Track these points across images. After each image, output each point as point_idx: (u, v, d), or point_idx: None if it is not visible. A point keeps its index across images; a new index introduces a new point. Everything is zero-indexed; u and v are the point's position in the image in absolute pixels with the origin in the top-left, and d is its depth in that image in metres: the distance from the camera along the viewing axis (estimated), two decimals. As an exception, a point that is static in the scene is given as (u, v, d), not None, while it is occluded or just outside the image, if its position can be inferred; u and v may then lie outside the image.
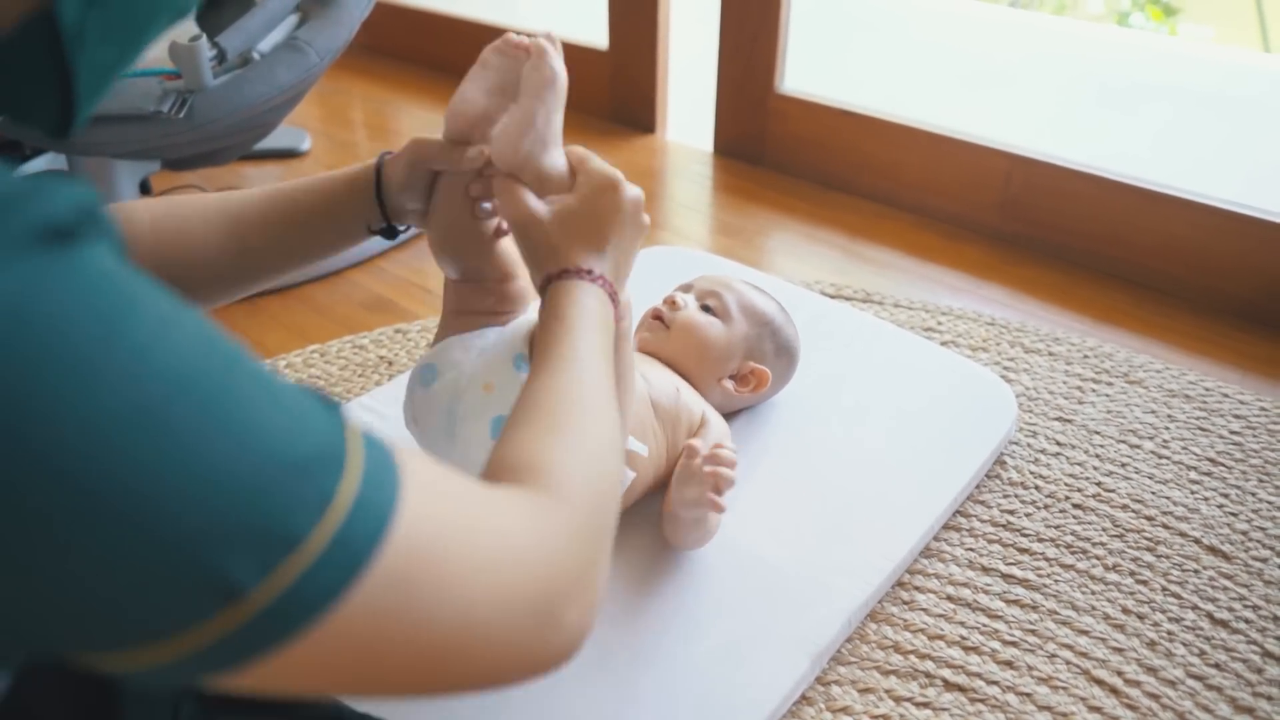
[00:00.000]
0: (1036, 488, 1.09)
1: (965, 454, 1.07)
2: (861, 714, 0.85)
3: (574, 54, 2.25)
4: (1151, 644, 0.91)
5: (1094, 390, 1.24)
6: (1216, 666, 0.90)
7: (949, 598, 0.95)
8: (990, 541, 1.02)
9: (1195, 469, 1.12)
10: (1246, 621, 0.94)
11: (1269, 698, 0.87)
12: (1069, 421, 1.19)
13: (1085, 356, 1.31)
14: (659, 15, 1.96)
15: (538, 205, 0.69)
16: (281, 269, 0.80)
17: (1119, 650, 0.91)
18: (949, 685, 0.87)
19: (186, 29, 1.48)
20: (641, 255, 1.45)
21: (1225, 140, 2.16)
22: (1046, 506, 1.06)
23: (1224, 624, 0.94)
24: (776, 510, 0.98)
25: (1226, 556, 1.01)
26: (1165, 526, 1.04)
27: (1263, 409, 1.21)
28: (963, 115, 2.16)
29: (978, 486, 1.08)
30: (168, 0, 0.44)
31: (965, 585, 0.97)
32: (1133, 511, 1.06)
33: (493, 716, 0.79)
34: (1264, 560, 1.00)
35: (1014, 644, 0.91)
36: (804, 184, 1.84)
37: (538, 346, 0.63)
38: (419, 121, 2.20)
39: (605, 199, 0.69)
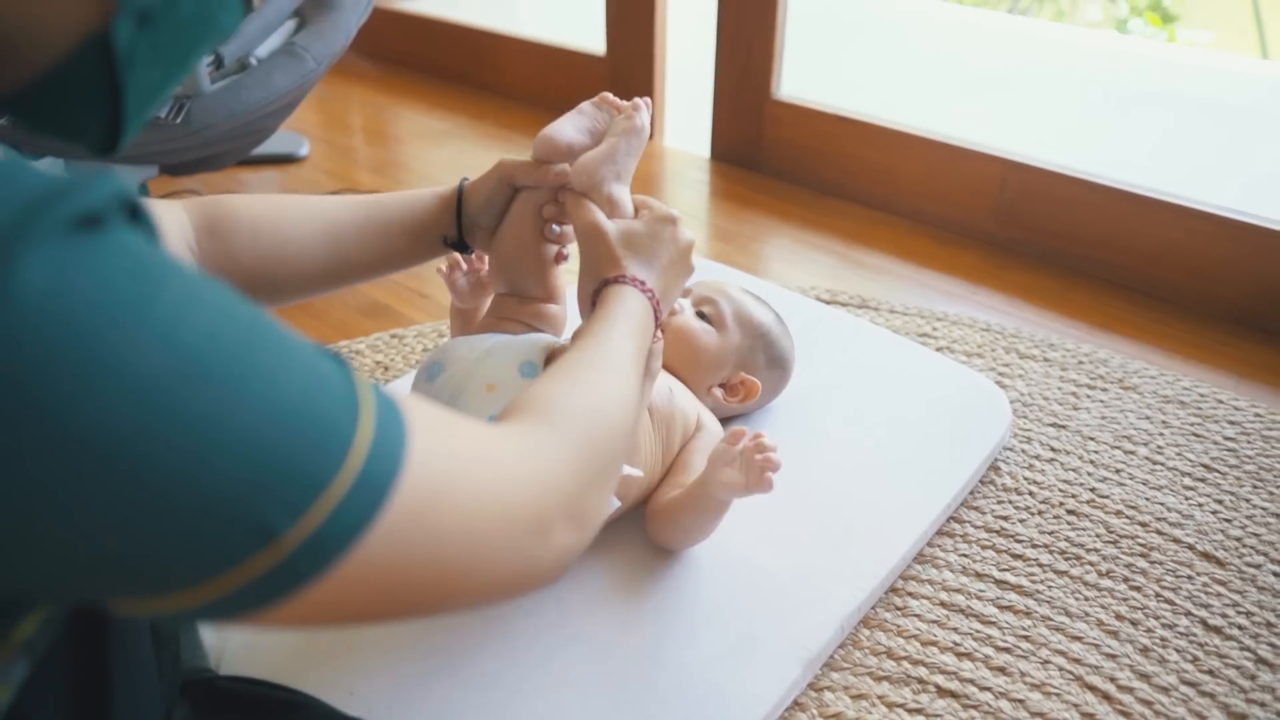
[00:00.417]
0: (1030, 493, 1.09)
1: (959, 459, 1.07)
2: (854, 720, 0.85)
3: (571, 59, 2.28)
4: (1145, 650, 0.91)
5: (1089, 396, 1.24)
6: (1210, 673, 0.90)
7: (942, 603, 0.95)
8: (984, 547, 1.02)
9: (1189, 475, 1.12)
10: (1240, 628, 0.94)
11: (1262, 704, 0.87)
12: (1063, 427, 1.19)
13: (1080, 362, 1.31)
14: (656, 21, 1.96)
15: (604, 220, 0.78)
16: (366, 275, 0.86)
17: (1112, 656, 0.91)
18: (942, 691, 0.87)
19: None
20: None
21: (1222, 146, 2.16)
22: (1040, 512, 1.06)
23: (1217, 630, 0.94)
24: (770, 515, 0.98)
25: (1220, 563, 1.01)
26: (1159, 533, 1.04)
27: (1257, 415, 1.21)
28: (959, 121, 2.17)
29: (972, 492, 1.08)
30: (212, 24, 0.46)
31: (959, 591, 0.97)
32: (1126, 518, 1.06)
33: (489, 717, 0.79)
34: (1257, 566, 1.00)
35: (1007, 650, 0.91)
36: (800, 190, 1.85)
37: (579, 334, 0.70)
38: (417, 126, 2.21)
39: (666, 229, 0.79)
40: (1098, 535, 1.03)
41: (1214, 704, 0.87)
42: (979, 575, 0.99)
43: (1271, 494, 1.09)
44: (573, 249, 0.90)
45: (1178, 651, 0.91)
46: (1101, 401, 1.23)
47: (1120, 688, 0.88)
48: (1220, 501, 1.08)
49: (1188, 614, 0.95)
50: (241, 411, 0.37)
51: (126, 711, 0.57)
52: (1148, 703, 0.87)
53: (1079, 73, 2.63)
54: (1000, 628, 0.93)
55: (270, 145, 1.91)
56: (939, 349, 1.33)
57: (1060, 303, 1.48)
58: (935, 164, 1.69)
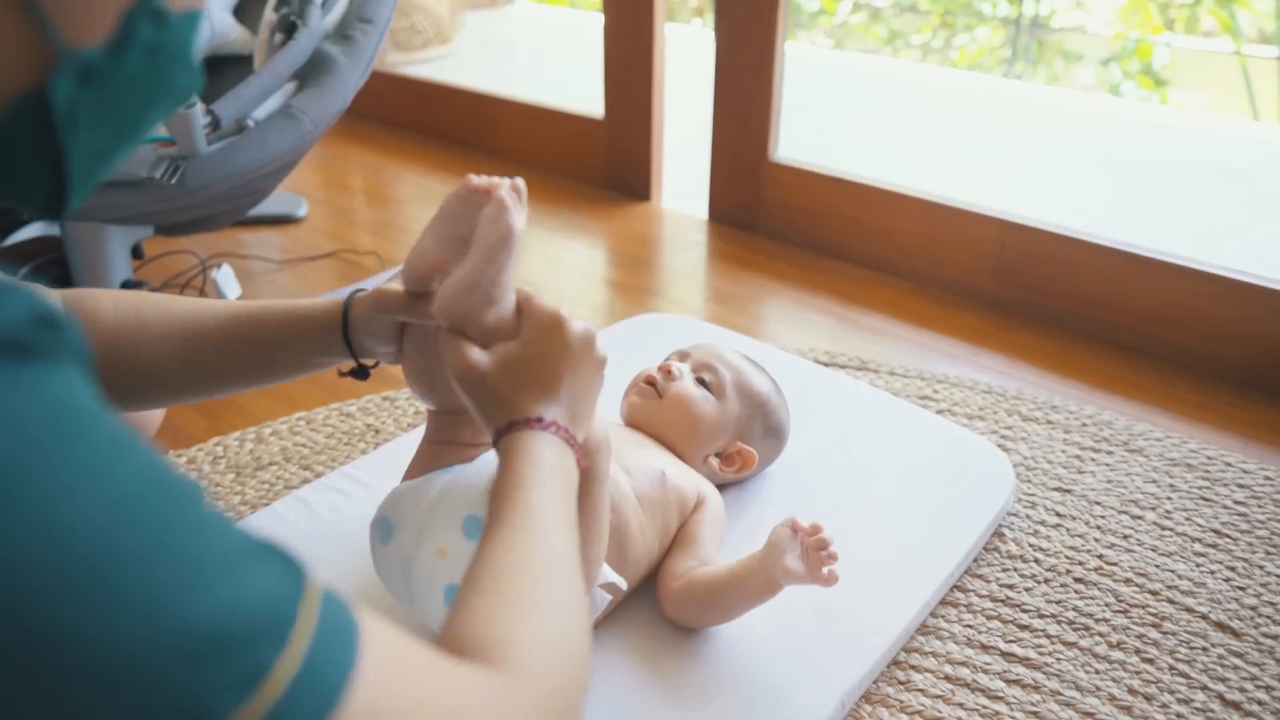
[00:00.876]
0: (1036, 561, 1.06)
1: (962, 526, 1.04)
2: (857, 802, 0.81)
3: (570, 123, 2.30)
4: (1160, 727, 0.88)
5: (1093, 459, 1.22)
6: (1228, 751, 0.86)
7: (947, 677, 0.92)
8: (989, 618, 0.98)
9: (1200, 540, 1.09)
10: (1260, 703, 0.90)
11: (1285, 785, 0.83)
12: (1068, 492, 1.16)
13: (1084, 424, 1.28)
14: (654, 84, 1.98)
15: (479, 358, 0.66)
16: (237, 386, 0.79)
17: (1126, 734, 0.87)
18: (949, 771, 0.83)
19: (182, 97, 1.49)
20: (635, 322, 1.45)
21: (1217, 207, 2.17)
22: (1047, 580, 1.03)
23: (1236, 706, 0.90)
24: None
25: (1236, 633, 0.97)
26: (1171, 601, 1.01)
27: (1267, 478, 1.18)
28: (956, 183, 2.18)
29: (975, 560, 1.05)
30: (168, 84, 0.43)
31: (964, 664, 0.93)
32: (1136, 585, 1.02)
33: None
34: (1275, 638, 0.97)
35: (1016, 727, 0.87)
36: (798, 251, 1.84)
37: (492, 503, 0.60)
38: (416, 188, 2.22)
39: (551, 340, 0.66)
40: (1107, 604, 1.00)
41: (1234, 785, 0.83)
42: (985, 647, 0.95)
43: (1285, 561, 1.06)
44: None
45: (1194, 728, 0.88)
46: (1107, 464, 1.21)
47: (1136, 768, 0.84)
48: (1233, 569, 1.05)
49: (1204, 688, 0.91)
50: (122, 610, 0.31)
51: None
52: (1165, 784, 0.83)
53: (1074, 135, 2.65)
54: (1008, 703, 0.89)
55: (269, 205, 1.92)
56: (940, 411, 1.31)
57: (1062, 364, 1.46)
58: (933, 225, 1.68)
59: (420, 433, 0.92)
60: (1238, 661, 0.94)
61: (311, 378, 1.41)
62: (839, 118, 2.81)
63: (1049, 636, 0.96)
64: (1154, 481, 1.18)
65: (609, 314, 1.63)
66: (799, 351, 1.44)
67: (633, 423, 1.04)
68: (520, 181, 0.71)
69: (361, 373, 0.80)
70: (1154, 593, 1.02)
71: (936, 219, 1.68)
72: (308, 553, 0.99)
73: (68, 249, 1.44)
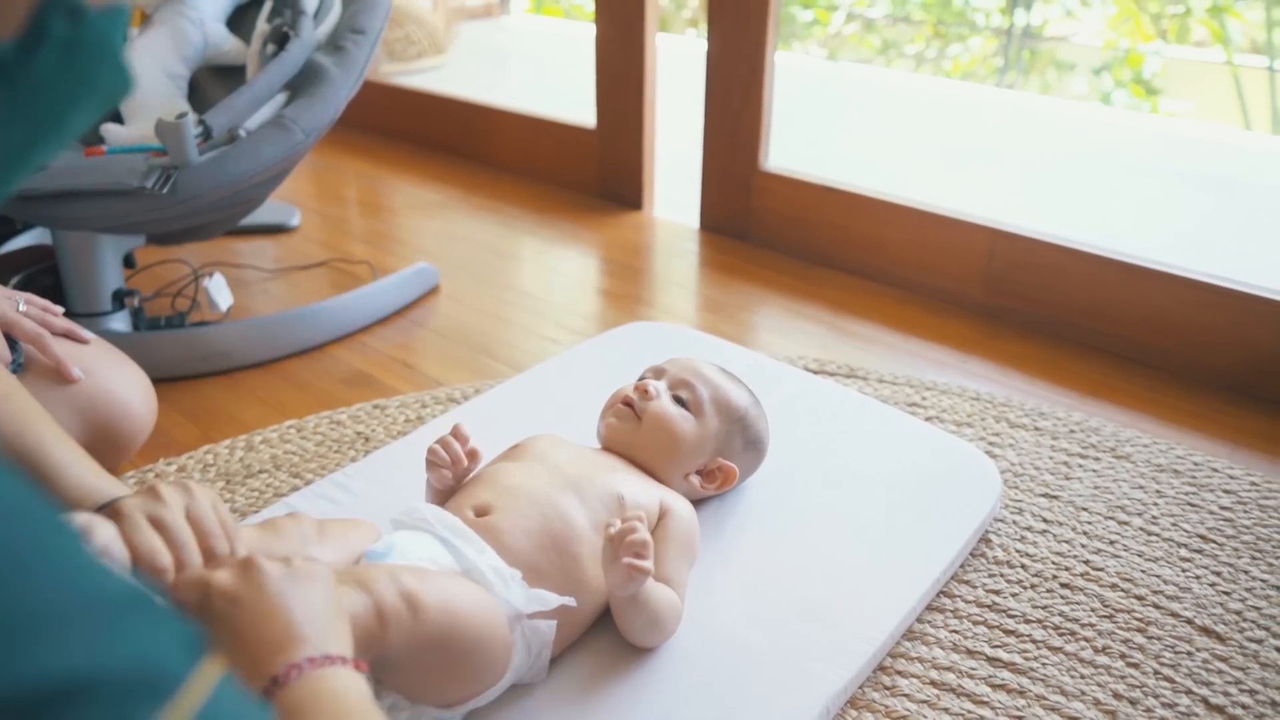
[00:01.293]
0: (1023, 566, 1.06)
1: (949, 532, 1.05)
2: (842, 807, 0.81)
3: (563, 132, 2.31)
4: (1144, 731, 0.88)
5: (1081, 465, 1.22)
6: (1213, 755, 0.86)
7: (933, 682, 0.92)
8: (975, 623, 0.99)
9: (1185, 546, 1.09)
10: (1243, 707, 0.90)
11: (1268, 789, 0.83)
12: (1055, 498, 1.16)
13: (1071, 431, 1.29)
14: (645, 94, 1.99)
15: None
16: None
17: (1111, 738, 0.87)
18: (934, 776, 0.84)
19: (174, 105, 1.50)
20: (627, 330, 1.45)
21: (1207, 215, 2.18)
22: (1033, 586, 1.03)
23: (1220, 709, 0.90)
24: (753, 591, 0.96)
25: (1220, 638, 0.98)
26: (1156, 606, 1.01)
27: (1253, 484, 1.19)
28: (946, 192, 2.19)
29: (962, 565, 1.05)
30: (91, 83, 0.41)
31: (950, 669, 0.93)
32: (1122, 591, 1.03)
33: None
34: (1259, 641, 0.97)
35: (1001, 731, 0.87)
36: (789, 260, 1.85)
37: None
38: (409, 197, 2.22)
39: (213, 608, 0.60)
40: (1093, 609, 1.00)
41: (1218, 789, 0.83)
42: (970, 652, 0.95)
43: (1271, 565, 1.06)
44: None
45: (1179, 733, 0.88)
46: (1094, 471, 1.21)
47: (1120, 772, 0.84)
48: (1218, 573, 1.05)
49: (1188, 692, 0.92)
50: None
51: None
52: (1149, 788, 0.83)
53: (1065, 144, 2.67)
54: (993, 708, 0.90)
55: (262, 215, 1.92)
56: (928, 418, 1.32)
57: (1050, 371, 1.47)
58: (923, 234, 1.69)
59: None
60: (1222, 666, 0.94)
61: (301, 386, 1.42)
62: (833, 127, 2.82)
63: (1035, 642, 0.97)
64: (1141, 487, 1.18)
65: (601, 322, 1.64)
66: (789, 359, 1.45)
67: (610, 445, 1.02)
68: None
69: None
70: (1140, 598, 1.02)
71: (926, 228, 1.69)
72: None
73: (59, 258, 1.45)
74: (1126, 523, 1.12)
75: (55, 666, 0.30)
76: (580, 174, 2.17)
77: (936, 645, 0.96)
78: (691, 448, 1.01)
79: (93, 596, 0.32)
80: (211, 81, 1.63)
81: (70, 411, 1.11)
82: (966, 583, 1.04)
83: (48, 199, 1.30)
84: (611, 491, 0.92)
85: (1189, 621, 0.99)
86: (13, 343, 1.09)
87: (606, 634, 0.91)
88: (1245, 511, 1.14)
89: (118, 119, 1.50)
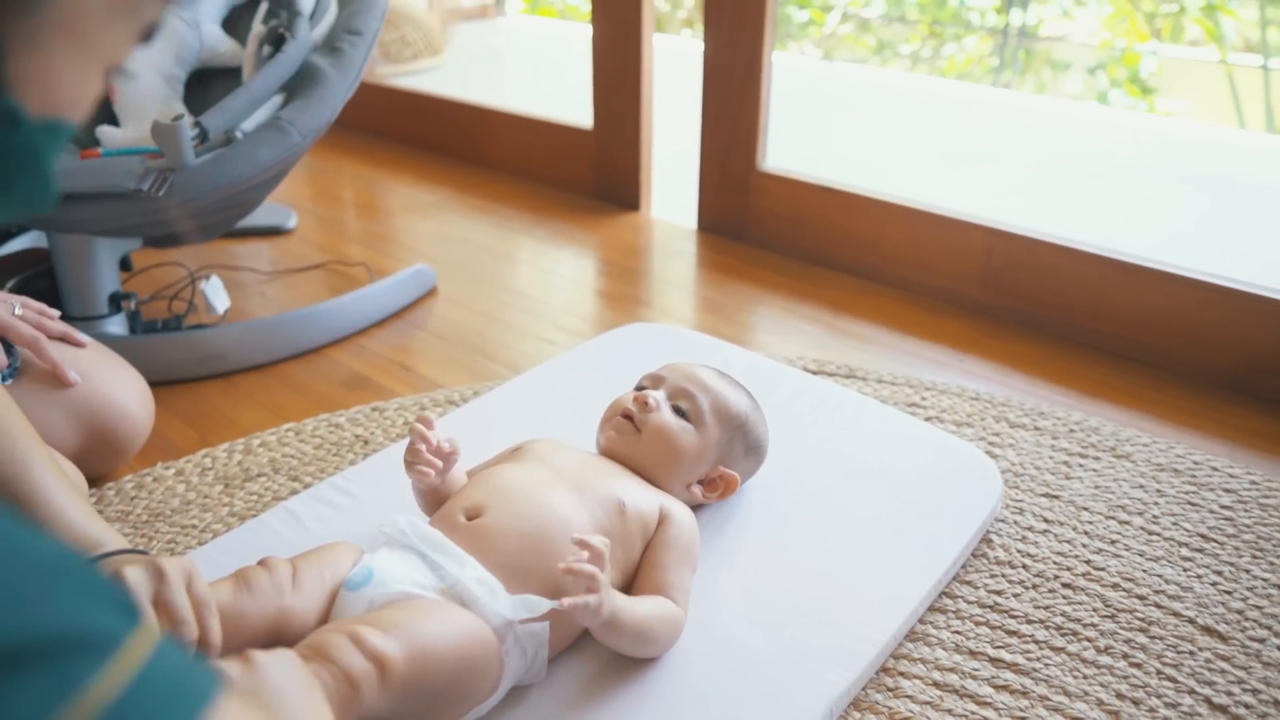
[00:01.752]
0: (1024, 567, 1.06)
1: (950, 533, 1.05)
2: (846, 810, 0.81)
3: (559, 133, 2.30)
4: (1147, 731, 0.88)
5: (1081, 465, 1.22)
6: (1216, 755, 0.86)
7: (935, 684, 0.92)
8: (978, 624, 0.99)
9: (1187, 545, 1.09)
10: (1247, 706, 0.90)
11: (1272, 789, 0.83)
12: (1056, 497, 1.16)
13: (1071, 430, 1.29)
14: (643, 94, 1.99)
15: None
16: None
17: (1114, 738, 0.87)
18: (937, 778, 0.83)
19: (170, 108, 1.49)
20: (626, 332, 1.45)
21: (1204, 214, 2.18)
22: (1035, 586, 1.03)
23: (1223, 709, 0.90)
24: (755, 593, 0.95)
25: (1223, 637, 0.98)
26: (1158, 606, 1.01)
27: (1253, 482, 1.19)
28: (944, 192, 2.19)
29: (964, 566, 1.05)
30: (7, 189, 0.39)
31: (952, 670, 0.93)
32: (1124, 590, 1.03)
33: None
34: (1261, 640, 0.97)
35: (1004, 732, 0.87)
36: (786, 260, 1.85)
37: None
38: (406, 199, 2.22)
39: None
40: (1095, 609, 1.00)
41: (1222, 789, 0.83)
42: (973, 653, 0.95)
43: (1272, 564, 1.06)
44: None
45: (1182, 732, 0.88)
46: (1094, 470, 1.21)
47: (1123, 772, 0.84)
48: (1220, 573, 1.05)
49: (1191, 692, 0.92)
50: None
51: None
52: (1153, 788, 0.83)
53: (1062, 143, 2.67)
54: (996, 709, 0.90)
55: (258, 217, 1.92)
56: (928, 419, 1.31)
57: (1050, 370, 1.47)
58: (921, 233, 1.69)
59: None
60: (1225, 665, 0.94)
61: (299, 388, 1.42)
62: (828, 127, 2.82)
63: (1037, 642, 0.97)
64: (1141, 487, 1.18)
65: (599, 323, 1.63)
66: (788, 360, 1.45)
67: (610, 457, 1.01)
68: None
69: None
70: (1141, 597, 1.02)
71: (924, 227, 1.69)
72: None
73: (55, 261, 1.44)
74: (1127, 522, 1.12)
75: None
76: (577, 175, 2.17)
77: (939, 646, 0.96)
78: (693, 459, 1.00)
79: (28, 560, 0.33)
80: (207, 83, 1.62)
81: (67, 415, 1.10)
82: (968, 583, 1.03)
83: (43, 202, 1.30)
84: (612, 496, 0.92)
85: (1191, 621, 0.99)
86: (9, 347, 1.08)
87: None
88: (1246, 510, 1.14)
89: (113, 121, 1.49)
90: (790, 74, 3.30)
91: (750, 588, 0.96)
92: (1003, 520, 1.13)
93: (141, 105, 1.49)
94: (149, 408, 1.19)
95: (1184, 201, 2.24)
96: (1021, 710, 0.89)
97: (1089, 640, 0.97)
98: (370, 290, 1.64)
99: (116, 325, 1.46)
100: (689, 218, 2.01)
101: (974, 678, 0.93)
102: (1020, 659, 0.94)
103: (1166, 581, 1.04)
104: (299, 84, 1.45)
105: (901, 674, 0.93)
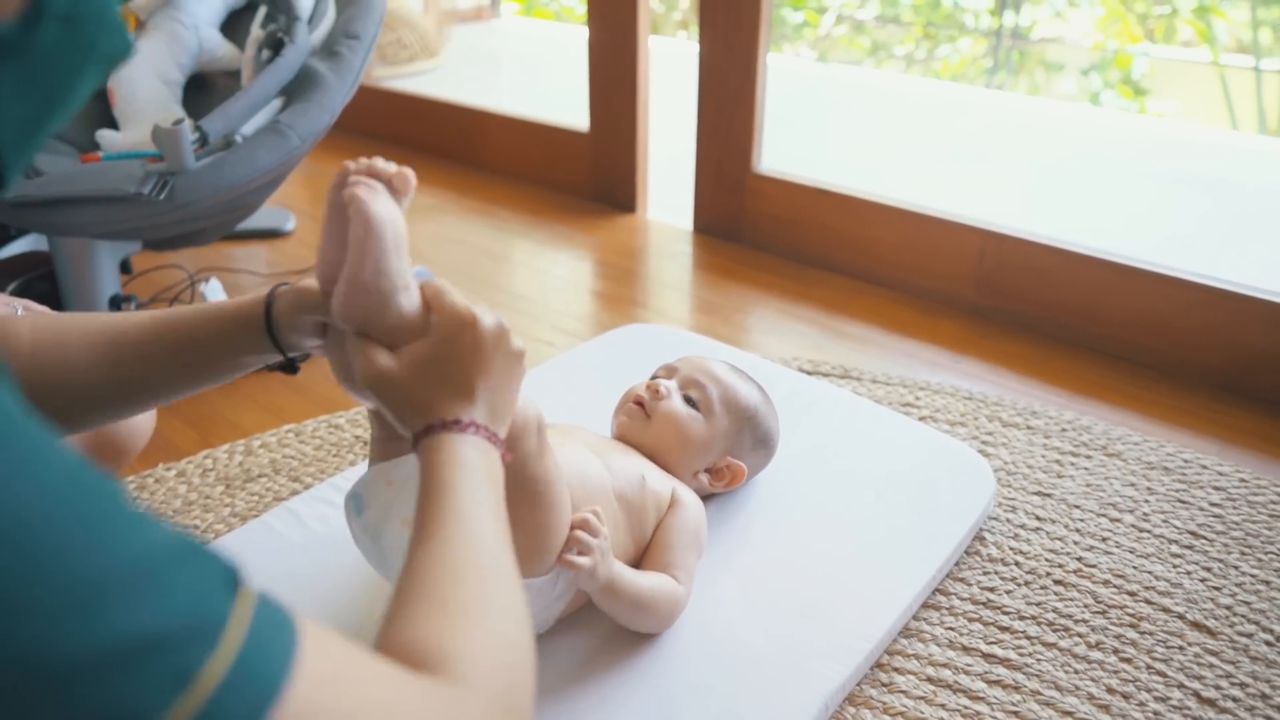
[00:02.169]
0: (1017, 564, 1.07)
1: (944, 530, 1.06)
2: (841, 803, 0.82)
3: (555, 135, 2.31)
4: (1137, 725, 0.89)
5: (1073, 464, 1.24)
6: (1204, 748, 0.88)
7: (929, 679, 0.93)
8: (970, 620, 1.00)
9: (1176, 542, 1.11)
10: (1234, 700, 0.92)
11: (1259, 780, 0.85)
12: (1048, 496, 1.18)
13: (1063, 430, 1.30)
14: (638, 97, 2.00)
15: (386, 361, 0.63)
16: (162, 396, 0.76)
17: (1104, 732, 0.88)
18: (931, 771, 0.85)
19: (170, 112, 1.50)
20: (621, 333, 1.46)
21: (1196, 215, 2.20)
22: (1027, 583, 1.05)
23: (1211, 703, 0.92)
24: (751, 590, 0.97)
25: (1211, 632, 0.99)
26: (1148, 602, 1.02)
27: (1242, 480, 1.21)
28: (937, 193, 2.20)
29: (957, 563, 1.07)
30: (91, 50, 0.42)
31: (946, 666, 0.95)
32: (1115, 587, 1.04)
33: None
34: (1249, 635, 0.99)
35: (997, 727, 0.89)
36: (782, 261, 1.86)
37: (419, 509, 0.58)
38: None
39: (463, 339, 0.64)
40: (1086, 605, 1.02)
41: (1210, 781, 0.85)
42: (966, 649, 0.97)
43: (1260, 560, 1.08)
44: None
45: (1171, 726, 0.89)
46: (1086, 469, 1.23)
47: (1114, 765, 0.86)
48: (1209, 569, 1.07)
49: (1180, 686, 0.93)
50: (46, 619, 0.31)
51: None
52: (1142, 780, 0.85)
53: (1055, 144, 2.69)
54: (989, 703, 0.91)
55: (256, 220, 1.93)
56: (922, 418, 1.33)
57: (1042, 370, 1.49)
58: (915, 235, 1.71)
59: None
60: (1213, 660, 0.96)
61: (300, 390, 1.43)
62: (823, 129, 2.84)
63: (1029, 638, 0.98)
64: (1132, 485, 1.20)
65: (595, 325, 1.65)
66: (783, 360, 1.46)
67: (622, 441, 1.05)
68: (407, 170, 0.67)
69: (290, 367, 0.77)
70: (1132, 594, 1.03)
71: (918, 229, 1.70)
72: (297, 564, 1.01)
73: (56, 264, 1.45)
74: (1118, 520, 1.14)
75: (117, 629, 0.32)
76: (573, 177, 2.18)
77: (933, 642, 0.97)
78: (700, 447, 1.03)
79: (142, 555, 0.35)
80: (206, 88, 1.63)
81: (70, 417, 1.11)
82: (961, 580, 1.05)
83: (44, 205, 1.31)
84: (635, 471, 0.95)
85: (1180, 617, 1.01)
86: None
87: (606, 632, 0.92)
88: (1234, 508, 1.16)
89: (113, 125, 1.50)
90: (785, 76, 3.32)
91: (747, 585, 0.98)
92: (995, 518, 1.14)
93: (141, 109, 1.50)
94: (150, 410, 1.19)
95: (1176, 202, 2.26)
96: (1014, 705, 0.91)
97: (1080, 636, 0.98)
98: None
99: (117, 328, 1.46)
100: (685, 219, 2.02)
101: (967, 673, 0.94)
102: (1013, 654, 0.96)
103: (1156, 578, 1.05)
104: (298, 88, 1.46)
105: (896, 669, 0.94)
